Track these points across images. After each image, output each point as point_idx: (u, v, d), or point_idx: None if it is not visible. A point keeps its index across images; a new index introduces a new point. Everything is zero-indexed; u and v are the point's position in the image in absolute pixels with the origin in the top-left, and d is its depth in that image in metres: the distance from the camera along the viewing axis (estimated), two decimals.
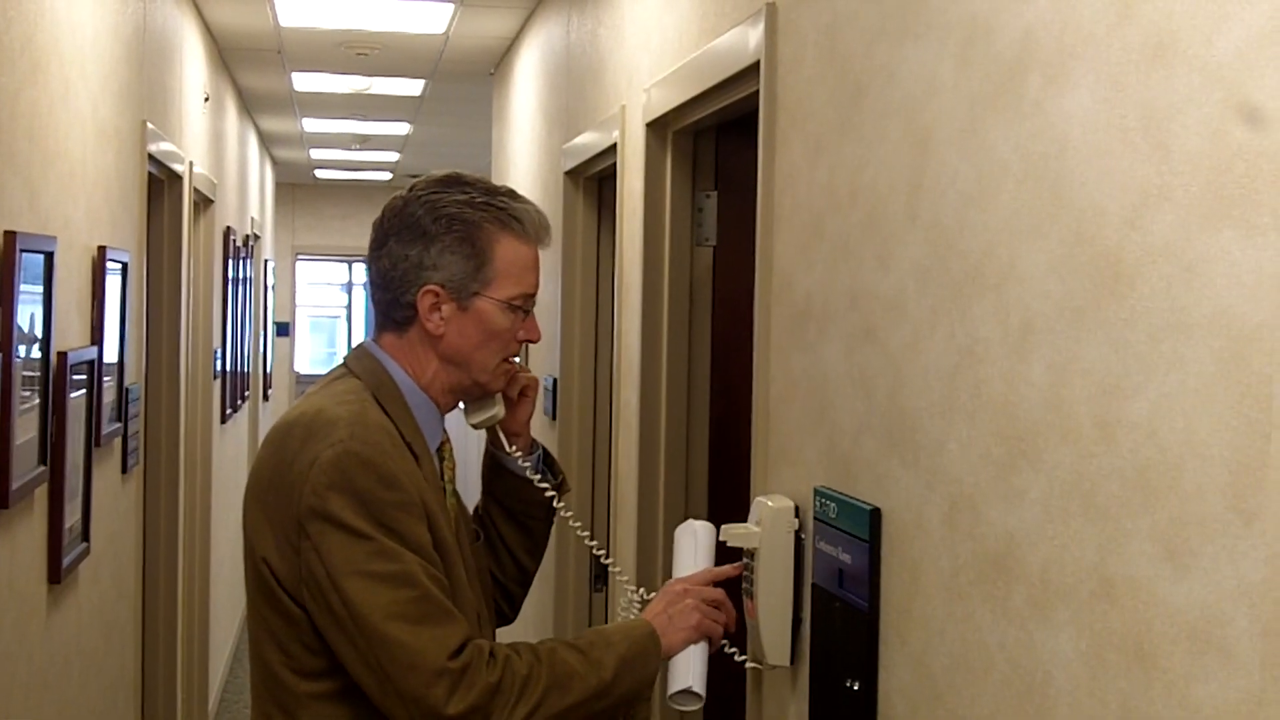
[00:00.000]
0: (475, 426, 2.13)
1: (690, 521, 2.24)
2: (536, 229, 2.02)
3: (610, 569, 2.39)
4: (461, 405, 2.12)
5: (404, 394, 1.98)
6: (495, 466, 2.23)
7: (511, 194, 2.03)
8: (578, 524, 2.25)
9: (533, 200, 2.08)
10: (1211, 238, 1.20)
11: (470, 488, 2.26)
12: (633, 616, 2.14)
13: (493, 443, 2.21)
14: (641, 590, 2.21)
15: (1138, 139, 1.31)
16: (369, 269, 2.03)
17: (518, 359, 2.10)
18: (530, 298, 2.02)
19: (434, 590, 1.82)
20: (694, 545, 2.18)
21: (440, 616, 1.81)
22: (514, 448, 2.18)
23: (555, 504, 2.19)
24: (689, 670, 2.03)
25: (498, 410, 2.12)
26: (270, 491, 1.88)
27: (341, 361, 2.06)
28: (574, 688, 1.86)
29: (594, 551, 2.31)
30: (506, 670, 1.82)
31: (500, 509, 2.22)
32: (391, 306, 2.00)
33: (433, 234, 1.96)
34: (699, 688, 2.03)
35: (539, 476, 2.19)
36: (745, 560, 2.27)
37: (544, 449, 2.26)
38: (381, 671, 1.79)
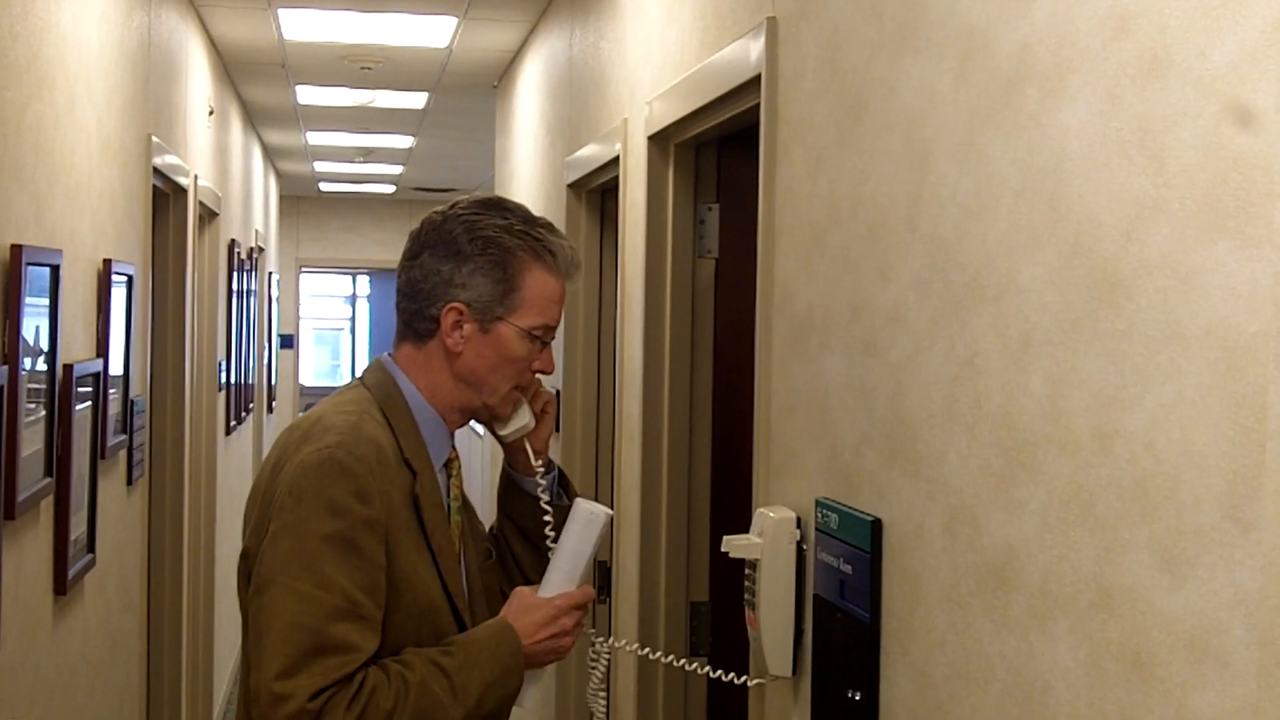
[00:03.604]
0: (505, 438, 2.12)
1: (599, 508, 2.08)
2: (568, 265, 2.05)
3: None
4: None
5: (411, 409, 2.01)
6: (510, 485, 2.23)
7: (549, 226, 2.06)
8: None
9: (540, 215, 2.10)
10: (1207, 249, 1.21)
11: (476, 502, 2.24)
12: (602, 666, 2.13)
13: (509, 462, 2.22)
14: (612, 641, 2.18)
15: (1134, 152, 1.32)
16: (399, 277, 2.06)
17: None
18: (550, 330, 2.05)
19: (337, 630, 1.80)
20: (593, 541, 2.05)
21: (328, 652, 1.79)
22: (539, 462, 2.17)
23: (546, 531, 2.11)
24: (528, 687, 2.00)
25: (529, 421, 2.11)
26: (262, 490, 1.93)
27: (359, 374, 2.10)
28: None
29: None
30: (370, 705, 1.79)
31: (514, 528, 2.22)
32: (415, 317, 2.03)
33: (467, 253, 1.99)
34: (529, 703, 2.02)
35: (547, 498, 2.15)
36: (747, 571, 2.28)
37: (560, 470, 2.25)
38: (256, 687, 1.80)
